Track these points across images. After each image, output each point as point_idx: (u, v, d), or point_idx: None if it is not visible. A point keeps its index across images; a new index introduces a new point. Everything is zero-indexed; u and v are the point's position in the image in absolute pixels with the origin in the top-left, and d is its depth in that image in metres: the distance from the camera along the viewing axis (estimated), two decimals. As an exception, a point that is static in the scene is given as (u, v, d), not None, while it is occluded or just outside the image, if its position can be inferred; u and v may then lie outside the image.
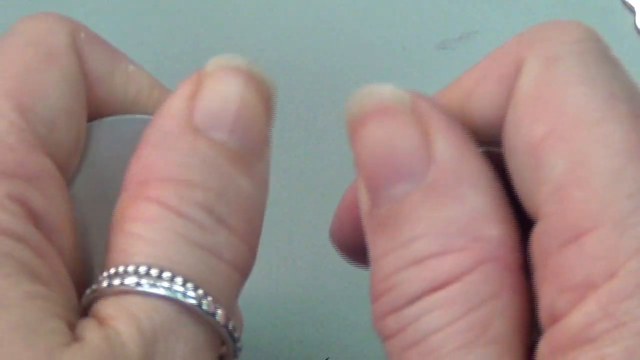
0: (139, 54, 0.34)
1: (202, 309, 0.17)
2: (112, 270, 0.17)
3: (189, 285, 0.17)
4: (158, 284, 0.17)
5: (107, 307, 0.17)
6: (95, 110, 0.21)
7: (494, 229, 0.17)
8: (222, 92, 0.20)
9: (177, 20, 0.38)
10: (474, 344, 0.17)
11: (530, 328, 0.17)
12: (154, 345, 0.17)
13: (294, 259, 0.31)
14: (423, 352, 0.17)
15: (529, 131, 0.17)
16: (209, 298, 0.18)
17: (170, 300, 0.17)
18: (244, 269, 0.19)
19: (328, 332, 0.29)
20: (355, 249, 0.21)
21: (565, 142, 0.16)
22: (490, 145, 0.19)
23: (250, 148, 0.20)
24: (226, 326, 0.18)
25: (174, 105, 0.20)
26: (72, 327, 0.17)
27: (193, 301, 0.17)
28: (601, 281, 0.15)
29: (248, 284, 0.26)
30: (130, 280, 0.17)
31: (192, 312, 0.17)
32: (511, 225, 0.18)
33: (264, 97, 0.21)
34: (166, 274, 0.17)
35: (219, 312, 0.18)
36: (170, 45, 0.37)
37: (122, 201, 0.19)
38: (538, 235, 0.17)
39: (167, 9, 0.38)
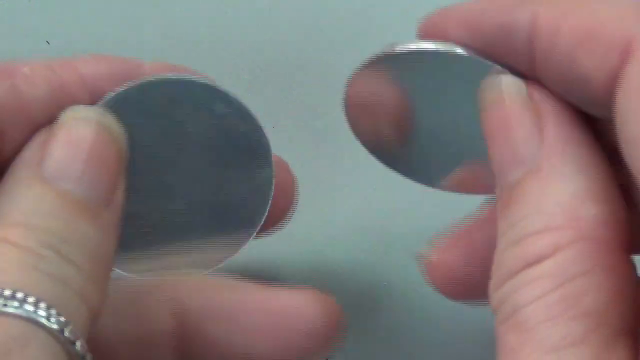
0: (136, 55, 0.34)
1: (53, 327, 0.19)
2: None
3: (42, 304, 0.19)
4: (9, 303, 0.19)
5: None
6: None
7: (593, 208, 0.18)
8: (70, 143, 0.22)
9: (176, 20, 0.38)
10: (562, 317, 0.17)
11: (630, 309, 0.18)
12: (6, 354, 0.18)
13: (293, 258, 0.31)
14: (514, 325, 0.18)
15: None
16: (61, 318, 0.19)
17: (22, 318, 0.19)
18: (92, 307, 0.20)
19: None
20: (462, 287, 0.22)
21: None
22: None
23: (97, 196, 0.21)
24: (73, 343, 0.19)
25: (27, 155, 0.22)
26: None
27: (44, 319, 0.19)
28: None
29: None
30: None
31: (45, 329, 0.19)
32: (614, 206, 0.19)
33: (114, 147, 0.22)
34: (19, 295, 0.19)
35: (68, 329, 0.19)
36: (170, 44, 0.37)
37: None
38: None
39: (167, 8, 0.38)
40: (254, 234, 0.25)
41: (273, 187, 0.25)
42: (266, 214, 0.25)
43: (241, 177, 0.25)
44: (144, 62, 0.24)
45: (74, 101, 0.23)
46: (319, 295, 0.24)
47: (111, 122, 0.23)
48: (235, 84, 0.36)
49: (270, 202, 0.25)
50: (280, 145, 0.34)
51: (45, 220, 0.20)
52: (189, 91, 0.24)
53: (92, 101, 0.23)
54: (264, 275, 0.29)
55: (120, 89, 0.23)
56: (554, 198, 0.19)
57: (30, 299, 0.19)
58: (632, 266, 0.19)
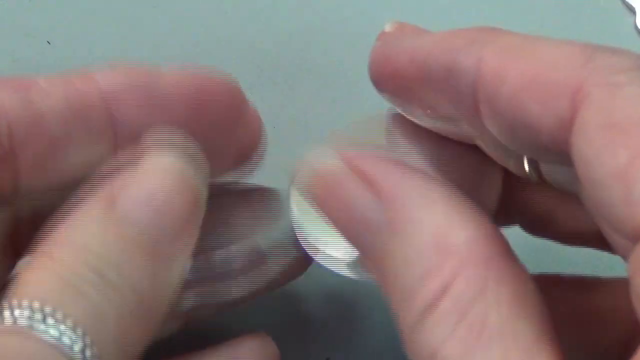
0: (137, 55, 0.34)
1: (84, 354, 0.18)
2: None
3: (79, 330, 0.18)
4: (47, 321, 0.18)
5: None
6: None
7: (461, 233, 0.18)
8: (147, 188, 0.21)
9: (176, 20, 0.38)
10: (477, 346, 0.17)
11: (538, 310, 0.17)
12: None
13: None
14: None
15: (612, 160, 0.17)
16: (94, 348, 0.18)
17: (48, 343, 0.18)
18: (125, 341, 0.19)
19: (328, 332, 0.29)
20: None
21: None
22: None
23: (160, 248, 0.20)
24: None
25: (103, 190, 0.21)
26: None
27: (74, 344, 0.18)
28: None
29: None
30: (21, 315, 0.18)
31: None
32: (478, 221, 0.18)
33: (191, 202, 0.21)
34: (59, 314, 0.18)
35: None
36: (170, 44, 0.37)
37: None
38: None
39: (167, 8, 0.38)
40: None
41: None
42: None
43: None
44: (163, 71, 0.23)
45: (91, 115, 0.22)
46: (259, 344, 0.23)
47: (197, 176, 0.22)
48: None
49: None
50: (280, 145, 0.34)
51: (100, 261, 0.19)
52: None
53: (108, 115, 0.22)
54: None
55: None
56: (419, 242, 0.18)
57: (69, 322, 0.18)
58: (522, 269, 0.18)
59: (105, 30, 0.37)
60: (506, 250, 0.18)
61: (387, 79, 0.21)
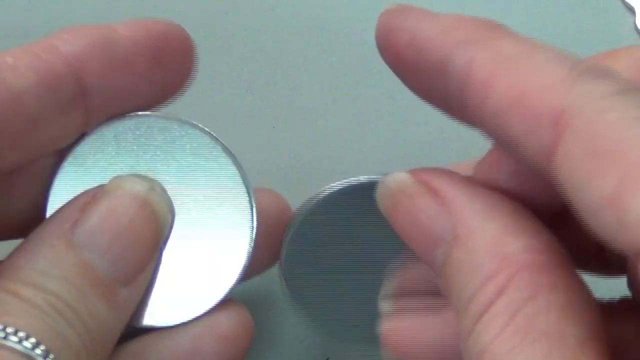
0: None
1: None
2: None
3: (41, 346, 0.19)
4: (10, 338, 0.19)
5: None
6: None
7: (516, 242, 0.19)
8: (108, 214, 0.21)
9: (176, 20, 0.38)
10: (521, 345, 0.18)
11: (587, 318, 0.18)
12: None
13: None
14: None
15: (600, 187, 0.17)
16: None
17: (20, 353, 0.19)
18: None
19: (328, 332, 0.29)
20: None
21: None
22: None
23: (118, 274, 0.21)
24: None
25: (61, 214, 0.22)
26: None
27: (40, 358, 0.19)
28: None
29: (248, 284, 0.26)
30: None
31: None
32: (537, 233, 0.19)
33: (153, 226, 0.22)
34: (21, 334, 0.19)
35: None
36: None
37: None
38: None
39: (167, 8, 0.38)
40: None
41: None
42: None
43: None
44: (116, 25, 0.23)
45: (61, 84, 0.22)
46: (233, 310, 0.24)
47: (160, 202, 0.23)
48: (235, 84, 0.36)
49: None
50: (280, 145, 0.34)
51: (58, 286, 0.20)
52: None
53: (76, 81, 0.22)
54: (264, 275, 0.29)
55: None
56: (479, 251, 0.19)
57: (31, 340, 0.19)
58: (578, 279, 0.19)
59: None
60: (562, 259, 0.19)
61: (389, 53, 0.21)
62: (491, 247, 0.19)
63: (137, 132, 0.23)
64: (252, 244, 0.24)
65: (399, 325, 0.22)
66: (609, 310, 0.19)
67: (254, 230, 0.24)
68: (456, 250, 0.20)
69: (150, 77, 0.23)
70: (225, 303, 0.24)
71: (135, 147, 0.23)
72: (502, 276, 0.18)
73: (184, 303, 0.24)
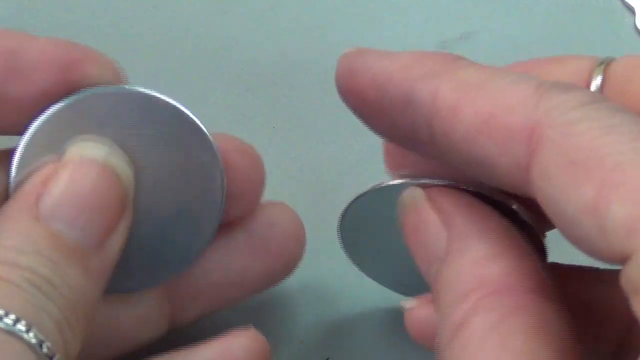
0: (137, 55, 0.34)
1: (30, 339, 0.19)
2: None
3: (22, 321, 0.19)
4: None
5: None
6: None
7: (494, 266, 0.19)
8: (70, 182, 0.22)
9: (176, 19, 0.38)
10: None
11: (565, 338, 0.18)
12: None
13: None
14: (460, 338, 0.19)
15: (578, 197, 0.17)
16: (39, 335, 0.20)
17: (1, 330, 0.19)
18: (67, 347, 0.20)
19: (328, 332, 0.29)
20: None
21: (619, 187, 0.16)
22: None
23: (88, 241, 0.21)
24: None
25: (24, 190, 0.22)
26: None
27: (23, 333, 0.19)
28: None
29: (248, 284, 0.26)
30: None
31: (24, 341, 0.19)
32: (519, 259, 0.19)
33: (117, 190, 0.22)
34: (0, 311, 0.19)
35: (46, 345, 0.20)
36: (170, 44, 0.37)
37: None
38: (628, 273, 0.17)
39: (167, 8, 0.38)
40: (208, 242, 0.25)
41: (224, 194, 0.24)
42: (217, 222, 0.25)
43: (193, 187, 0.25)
44: (38, 38, 0.23)
45: None
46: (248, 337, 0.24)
47: (120, 162, 0.23)
48: (235, 84, 0.36)
49: (222, 208, 0.25)
50: (280, 145, 0.34)
51: (32, 260, 0.20)
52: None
53: None
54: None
55: None
56: (460, 269, 0.20)
57: (11, 316, 0.19)
58: (553, 305, 0.19)
59: (106, 30, 0.37)
60: (539, 284, 0.19)
61: (351, 95, 0.22)
62: (470, 269, 0.20)
63: (98, 105, 0.23)
64: (224, 191, 0.24)
65: (421, 312, 0.22)
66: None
67: (223, 174, 0.24)
68: (445, 267, 0.20)
69: (53, 94, 0.23)
70: (240, 330, 0.24)
71: (95, 121, 0.23)
72: (475, 297, 0.19)
73: (162, 264, 0.25)
